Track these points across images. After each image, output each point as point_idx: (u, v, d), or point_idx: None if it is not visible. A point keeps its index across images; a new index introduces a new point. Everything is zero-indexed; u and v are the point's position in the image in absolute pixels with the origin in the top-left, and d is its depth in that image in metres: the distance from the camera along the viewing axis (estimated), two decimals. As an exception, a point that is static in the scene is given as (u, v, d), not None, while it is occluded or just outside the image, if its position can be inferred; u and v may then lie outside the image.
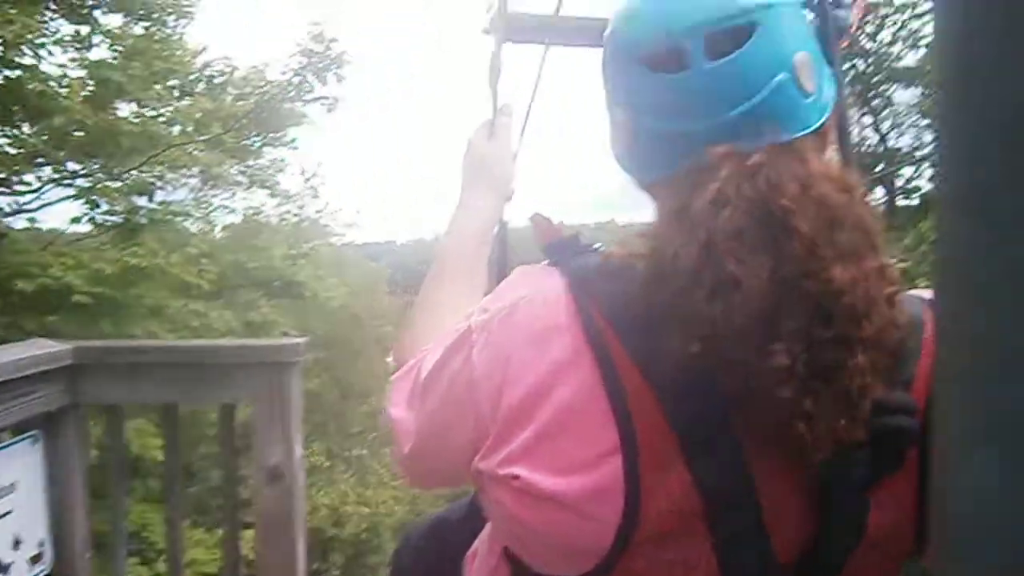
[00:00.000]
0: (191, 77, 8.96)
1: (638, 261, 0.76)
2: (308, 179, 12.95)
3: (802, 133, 0.78)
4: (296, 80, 8.46)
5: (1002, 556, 0.24)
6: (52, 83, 7.13)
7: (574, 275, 0.80)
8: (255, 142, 10.09)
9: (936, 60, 0.31)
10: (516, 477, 0.75)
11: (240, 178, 10.64)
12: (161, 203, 8.44)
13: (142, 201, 8.29)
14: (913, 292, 0.82)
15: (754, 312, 0.67)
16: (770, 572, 0.74)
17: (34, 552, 2.25)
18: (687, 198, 0.74)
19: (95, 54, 8.26)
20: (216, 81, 8.88)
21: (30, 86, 6.95)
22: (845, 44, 1.03)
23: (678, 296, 0.70)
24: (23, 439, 2.24)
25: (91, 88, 7.40)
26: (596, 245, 0.87)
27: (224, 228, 11.55)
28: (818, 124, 0.80)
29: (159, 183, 8.39)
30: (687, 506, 0.73)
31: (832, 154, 0.86)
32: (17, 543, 2.18)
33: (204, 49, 9.43)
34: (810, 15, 0.87)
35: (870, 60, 12.24)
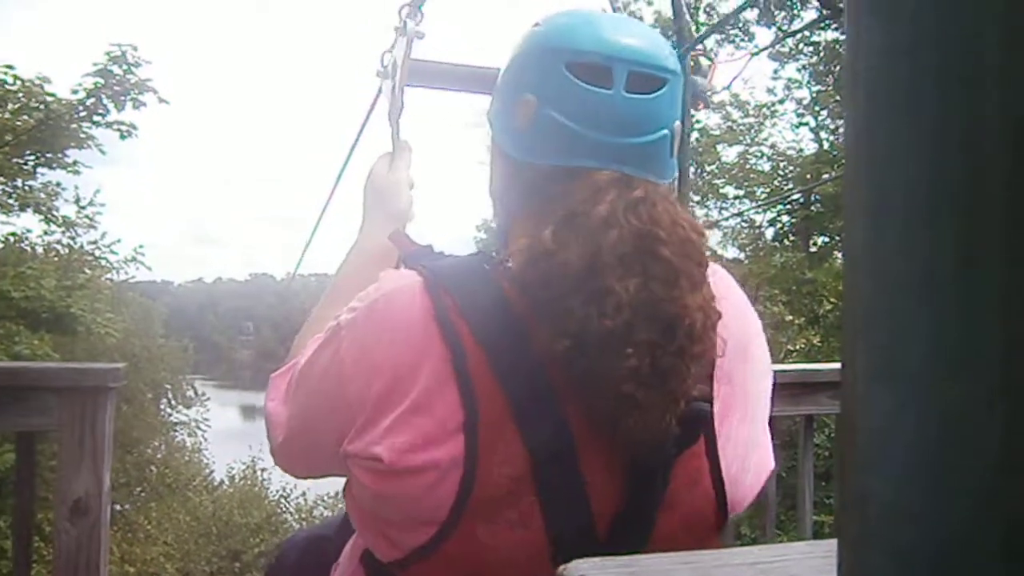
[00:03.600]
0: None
1: (517, 256, 0.90)
2: (84, 207, 11.98)
3: (665, 182, 0.98)
4: (90, 101, 7.85)
5: (892, 468, 0.35)
6: None
7: (428, 273, 0.91)
8: (29, 161, 9.21)
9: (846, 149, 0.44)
10: (376, 457, 0.85)
11: (7, 200, 9.63)
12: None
13: None
14: None
15: (618, 320, 0.82)
16: (588, 534, 0.88)
17: None
18: (579, 209, 0.88)
19: None
20: (-6, 91, 8.04)
21: None
22: (701, 106, 1.25)
23: (558, 296, 0.84)
24: None
25: None
26: (447, 253, 1.00)
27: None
28: (670, 181, 1.00)
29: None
30: (518, 469, 0.86)
31: None
32: None
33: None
34: None
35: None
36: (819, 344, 11.63)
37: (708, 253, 0.94)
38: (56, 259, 11.33)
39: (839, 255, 14.68)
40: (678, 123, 1.00)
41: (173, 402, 15.27)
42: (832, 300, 12.82)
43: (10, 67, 8.11)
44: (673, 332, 0.84)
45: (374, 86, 1.57)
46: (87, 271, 11.67)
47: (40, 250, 11.56)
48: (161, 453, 13.80)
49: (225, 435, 18.42)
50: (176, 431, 15.34)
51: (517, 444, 0.85)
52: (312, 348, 0.98)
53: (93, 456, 2.20)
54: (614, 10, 1.61)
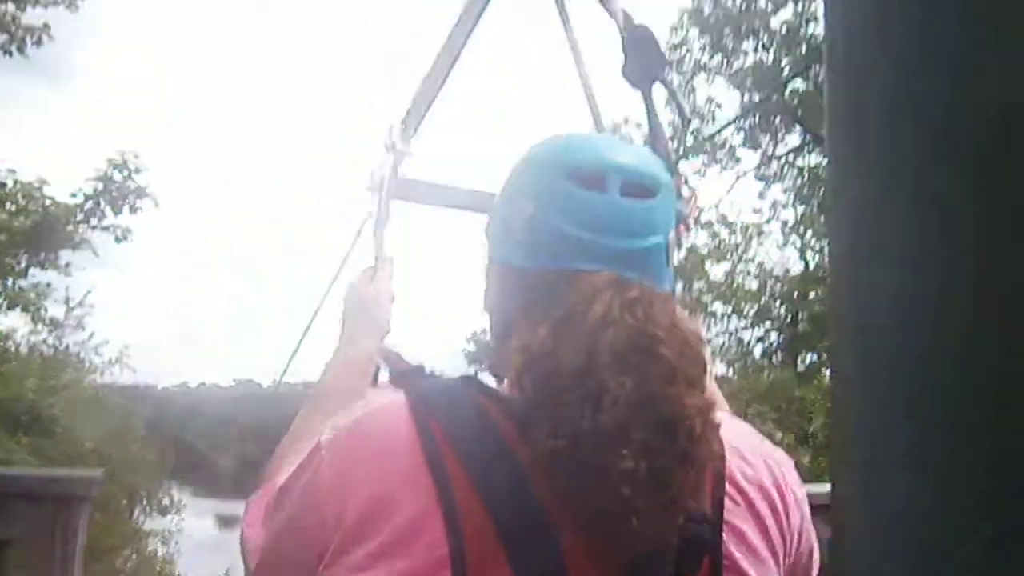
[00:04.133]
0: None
1: (516, 355, 0.88)
2: (73, 308, 11.96)
3: (663, 290, 0.97)
4: (88, 205, 7.98)
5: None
6: None
7: (415, 394, 0.90)
8: (21, 261, 9.26)
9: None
10: None
11: (-4, 298, 9.63)
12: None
13: None
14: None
15: (615, 419, 0.80)
16: None
17: None
18: (575, 309, 0.88)
19: None
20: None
21: None
22: (684, 229, 1.28)
23: (553, 395, 0.83)
24: None
25: None
26: (438, 373, 0.99)
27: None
28: (668, 290, 1.00)
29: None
30: None
31: None
32: None
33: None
34: None
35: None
36: (809, 463, 11.48)
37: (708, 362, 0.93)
38: (40, 359, 11.21)
39: (828, 372, 14.71)
40: (672, 233, 1.01)
41: (148, 509, 14.80)
42: (821, 418, 12.75)
43: (12, 171, 8.30)
44: (672, 433, 0.81)
45: (363, 200, 1.61)
46: (70, 371, 11.53)
47: (24, 350, 11.47)
48: (131, 563, 13.25)
49: (200, 546, 17.77)
50: (149, 540, 14.81)
51: (507, 571, 0.81)
52: (291, 469, 0.96)
53: (63, 569, 2.12)
54: (599, 132, 1.71)
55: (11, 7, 8.35)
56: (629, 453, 0.80)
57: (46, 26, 8.59)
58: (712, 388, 0.90)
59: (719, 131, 14.47)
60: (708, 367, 0.90)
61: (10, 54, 8.32)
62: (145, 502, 14.93)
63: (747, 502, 0.94)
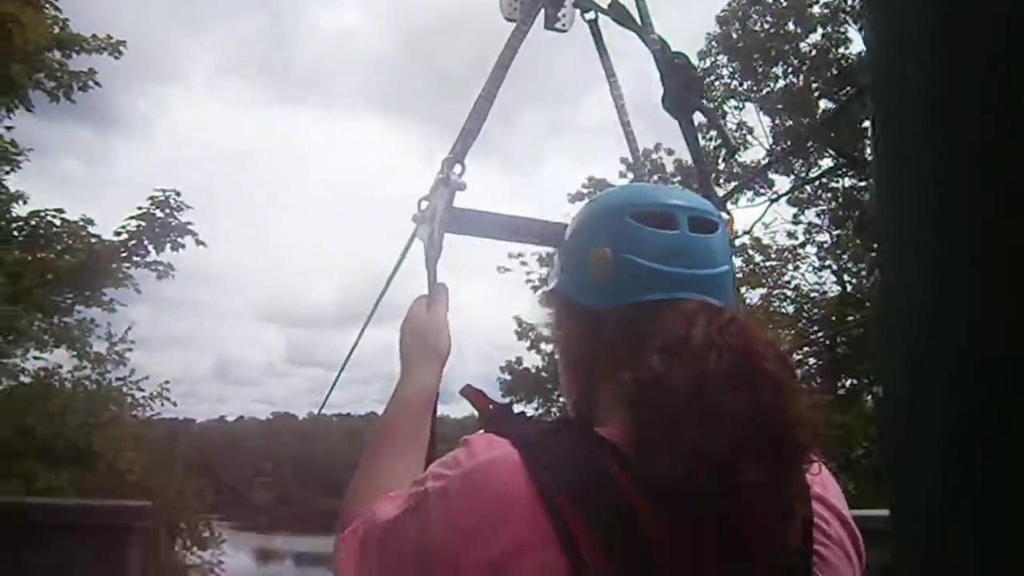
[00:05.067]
0: (13, 225, 8.46)
1: (626, 387, 0.90)
2: (115, 343, 12.20)
3: None
4: (132, 243, 8.18)
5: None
6: None
7: (522, 443, 0.91)
8: (67, 298, 9.49)
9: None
10: None
11: (42, 335, 9.86)
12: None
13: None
14: None
15: (732, 437, 0.82)
16: None
17: None
18: (675, 336, 0.91)
19: None
20: (41, 232, 8.42)
21: None
22: None
23: (668, 421, 0.84)
24: None
25: None
26: (525, 412, 1.00)
27: (6, 389, 10.46)
28: None
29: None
30: None
31: None
32: None
33: (24, 198, 9.02)
34: None
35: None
36: (853, 491, 11.26)
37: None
38: (84, 394, 11.43)
39: (868, 397, 14.44)
40: (734, 263, 1.08)
41: (188, 543, 14.88)
42: (863, 444, 12.49)
43: (60, 210, 8.54)
44: (783, 443, 0.85)
45: (406, 232, 1.63)
46: (113, 407, 11.74)
47: (68, 385, 11.71)
48: (173, 598, 13.31)
49: (238, 580, 17.81)
50: (190, 573, 14.89)
51: None
52: (391, 509, 0.97)
53: (112, 601, 2.14)
54: (634, 159, 1.73)
55: (58, 54, 8.64)
56: (748, 468, 0.82)
57: (91, 71, 8.88)
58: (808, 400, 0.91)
59: (767, 164, 14.39)
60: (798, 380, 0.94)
61: (57, 100, 8.61)
62: (186, 536, 14.99)
63: (831, 528, 0.97)
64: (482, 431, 0.98)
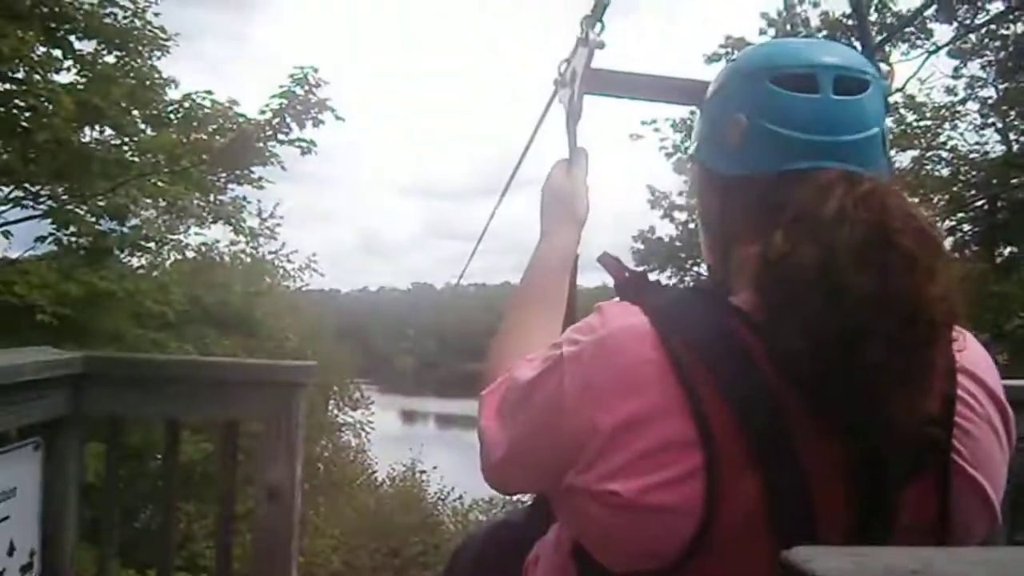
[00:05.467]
0: (169, 108, 8.96)
1: (753, 261, 0.90)
2: (266, 219, 12.96)
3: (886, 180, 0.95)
4: (275, 121, 8.49)
5: None
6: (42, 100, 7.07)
7: (654, 311, 0.92)
8: (220, 177, 10.07)
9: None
10: (614, 493, 0.87)
11: (202, 213, 10.59)
12: (132, 227, 8.41)
13: (110, 225, 8.25)
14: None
15: (858, 317, 0.81)
16: None
17: (25, 561, 2.22)
18: (807, 208, 0.88)
19: (63, 78, 8.27)
20: (193, 114, 8.88)
21: (19, 101, 6.95)
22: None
23: (794, 298, 0.84)
24: (26, 444, 2.23)
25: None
26: (659, 281, 1.01)
27: (174, 262, 11.41)
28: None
29: (134, 208, 8.36)
30: (755, 508, 0.86)
31: None
32: (12, 550, 2.16)
33: (175, 82, 9.48)
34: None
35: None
36: (1006, 361, 10.73)
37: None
38: (241, 267, 12.31)
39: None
40: (887, 122, 1.01)
41: (340, 404, 16.08)
42: (1021, 315, 11.77)
43: (209, 92, 8.96)
44: (915, 324, 0.82)
45: (545, 95, 1.63)
46: (268, 279, 12.60)
47: (227, 259, 12.63)
48: (328, 452, 14.56)
49: (386, 438, 19.23)
50: (342, 432, 16.16)
51: (755, 486, 0.85)
52: (529, 374, 1.00)
53: (287, 447, 2.39)
54: (788, 9, 1.63)
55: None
56: (874, 349, 0.80)
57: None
58: (949, 276, 0.86)
59: (921, 9, 13.07)
60: (945, 255, 0.88)
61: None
62: (337, 397, 16.16)
63: (977, 403, 0.93)
64: (617, 299, 1.01)
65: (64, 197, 8.18)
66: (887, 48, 14.28)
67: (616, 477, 0.87)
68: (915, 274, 0.83)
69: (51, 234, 7.85)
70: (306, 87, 8.39)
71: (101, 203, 8.19)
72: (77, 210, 8.06)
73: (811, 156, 0.95)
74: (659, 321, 0.91)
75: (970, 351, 0.96)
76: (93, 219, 8.23)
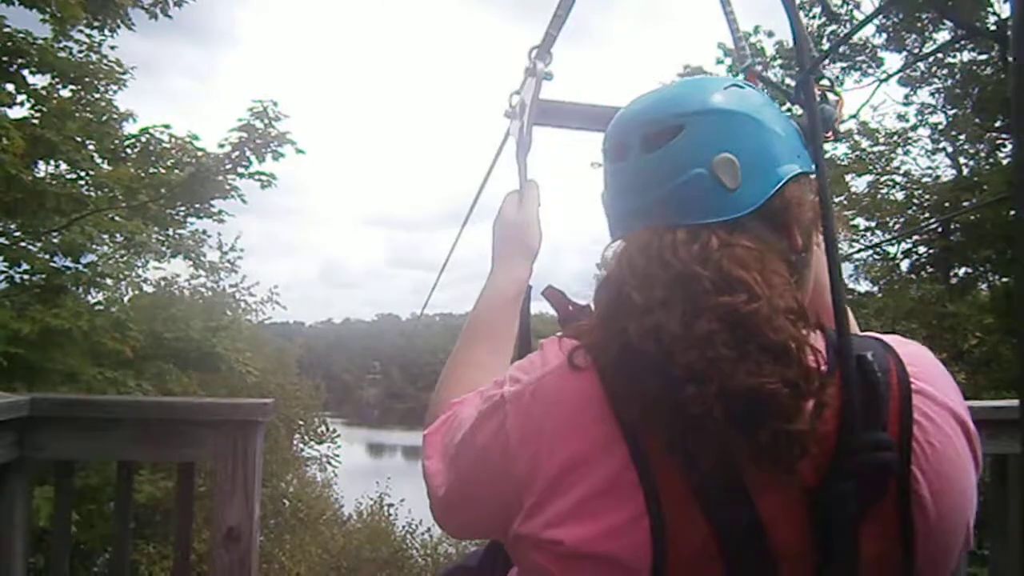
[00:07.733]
0: (126, 142, 8.86)
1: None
2: (226, 252, 12.82)
3: (715, 220, 0.92)
4: (235, 154, 8.43)
5: None
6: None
7: (594, 347, 0.90)
8: (180, 211, 9.96)
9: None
10: (558, 542, 0.85)
11: (160, 247, 10.45)
12: (88, 264, 8.25)
13: (64, 262, 8.09)
14: (870, 335, 0.97)
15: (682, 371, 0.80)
16: None
17: (-32, 611, 2.13)
18: (622, 283, 0.90)
19: (16, 112, 8.14)
20: (151, 148, 8.78)
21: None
22: (830, 135, 1.21)
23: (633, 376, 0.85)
24: (-31, 490, 2.15)
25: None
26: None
27: (132, 297, 11.22)
28: (736, 215, 0.93)
29: (89, 244, 8.21)
30: (707, 550, 0.84)
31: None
32: (-48, 600, 2.07)
33: (133, 116, 9.39)
34: (799, 110, 1.04)
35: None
36: (964, 381, 10.92)
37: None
38: (201, 301, 12.13)
39: (984, 286, 13.77)
40: (724, 156, 0.94)
41: (306, 438, 15.84)
42: (977, 335, 12.00)
43: (167, 126, 8.88)
44: (738, 331, 0.81)
45: (502, 127, 1.62)
46: (228, 312, 12.43)
47: (187, 293, 12.44)
48: (293, 487, 14.31)
49: (353, 471, 18.99)
50: (308, 466, 15.90)
51: (702, 522, 0.84)
52: (471, 414, 0.99)
53: (244, 487, 2.33)
54: (735, 42, 1.59)
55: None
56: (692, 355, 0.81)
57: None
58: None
59: (857, 28, 13.38)
60: (755, 281, 0.85)
61: (156, 17, 8.80)
62: (303, 431, 15.92)
63: (934, 426, 0.90)
64: (559, 334, 1.00)
65: (17, 234, 8.02)
66: (840, 76, 14.66)
67: (560, 523, 0.85)
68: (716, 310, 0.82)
69: (2, 272, 7.69)
70: (266, 120, 8.35)
71: (55, 239, 8.05)
72: (30, 247, 7.91)
73: (631, 223, 0.98)
74: (598, 358, 0.89)
75: (927, 371, 0.94)
76: (47, 256, 8.08)
